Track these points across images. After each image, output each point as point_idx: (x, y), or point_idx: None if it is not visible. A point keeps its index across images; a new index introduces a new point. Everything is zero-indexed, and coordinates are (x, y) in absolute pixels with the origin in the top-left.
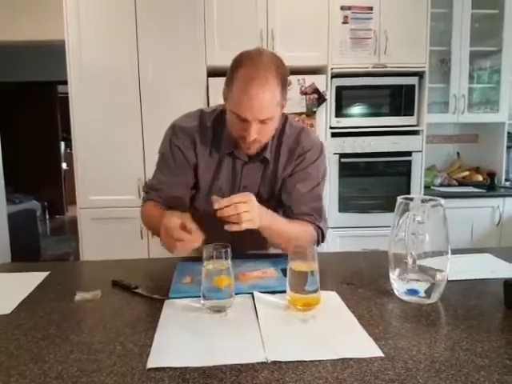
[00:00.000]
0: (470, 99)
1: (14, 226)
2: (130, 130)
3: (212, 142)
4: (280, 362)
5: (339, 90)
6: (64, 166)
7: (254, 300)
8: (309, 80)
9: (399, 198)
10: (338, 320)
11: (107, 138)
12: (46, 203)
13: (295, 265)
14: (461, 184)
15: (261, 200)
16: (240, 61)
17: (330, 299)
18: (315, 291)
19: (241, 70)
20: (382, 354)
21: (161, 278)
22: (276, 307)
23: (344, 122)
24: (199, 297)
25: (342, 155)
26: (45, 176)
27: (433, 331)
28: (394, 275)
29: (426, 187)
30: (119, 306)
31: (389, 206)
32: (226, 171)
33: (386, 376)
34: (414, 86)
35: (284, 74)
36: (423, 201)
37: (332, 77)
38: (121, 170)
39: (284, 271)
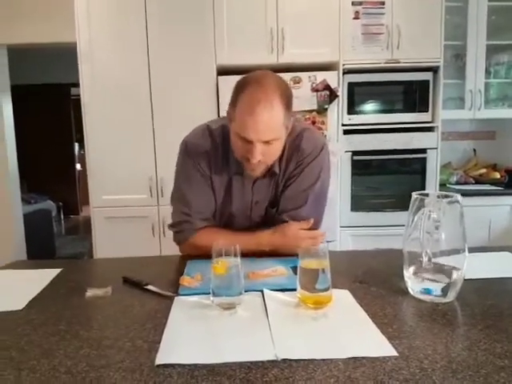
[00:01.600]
0: (486, 95)
1: (30, 226)
2: (141, 129)
3: (222, 161)
4: (290, 360)
5: (351, 86)
6: (78, 166)
7: (263, 298)
8: (320, 76)
9: (414, 194)
10: (350, 318)
11: (119, 138)
12: (60, 203)
13: (306, 262)
14: (477, 182)
15: (266, 208)
16: (245, 82)
17: (342, 297)
18: (326, 289)
19: (246, 90)
20: (396, 353)
21: (171, 275)
22: (286, 305)
23: (356, 119)
24: (209, 294)
25: (354, 153)
26: (59, 177)
27: (449, 331)
28: (408, 273)
29: (442, 185)
30: (129, 303)
31: (402, 205)
32: (237, 190)
33: (400, 376)
34: (428, 81)
35: (288, 95)
36: (439, 197)
37: (344, 73)
38: (133, 170)
39: (295, 269)
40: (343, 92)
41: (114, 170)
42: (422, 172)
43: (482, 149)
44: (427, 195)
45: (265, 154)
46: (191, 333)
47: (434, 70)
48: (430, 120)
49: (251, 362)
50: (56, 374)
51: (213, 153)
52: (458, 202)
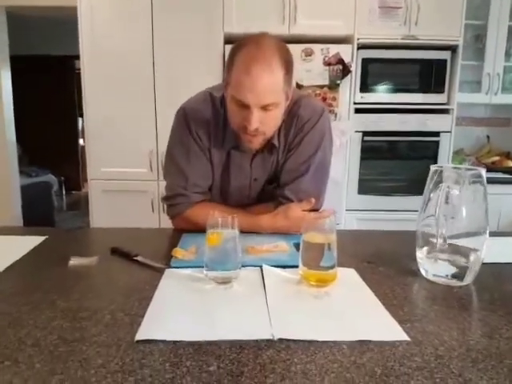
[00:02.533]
0: (504, 79)
1: (29, 199)
2: (142, 101)
3: (223, 133)
4: (288, 340)
5: (365, 62)
6: (81, 142)
7: (262, 273)
8: (333, 50)
9: (433, 167)
10: (356, 298)
11: (120, 109)
12: (62, 178)
13: (310, 236)
14: (490, 169)
15: (263, 185)
16: (242, 43)
17: (348, 276)
18: (331, 267)
19: (243, 50)
20: (407, 338)
21: (164, 247)
22: (286, 282)
23: (369, 97)
24: (203, 268)
25: (364, 133)
26: (62, 152)
27: (466, 315)
28: (421, 254)
29: None
30: (115, 274)
31: (412, 190)
32: (235, 167)
33: (413, 363)
34: (445, 61)
35: (288, 59)
36: (459, 170)
37: (358, 48)
38: (133, 143)
39: (297, 246)
40: (356, 68)
41: (113, 141)
42: (434, 156)
43: (496, 136)
44: (447, 168)
45: (263, 121)
46: (179, 307)
47: (453, 49)
48: (445, 102)
49: (244, 341)
50: (21, 346)
51: (213, 122)
52: (481, 176)
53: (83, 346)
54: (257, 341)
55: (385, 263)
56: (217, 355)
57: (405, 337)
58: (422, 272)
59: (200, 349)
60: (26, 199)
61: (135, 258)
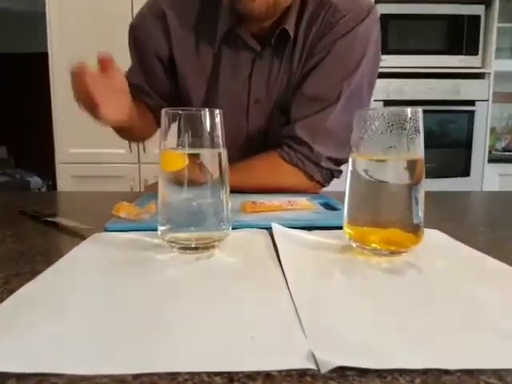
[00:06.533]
0: None
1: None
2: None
3: (200, 20)
4: (356, 372)
5: (384, 19)
6: None
7: (272, 238)
8: None
9: None
10: (478, 272)
11: None
12: (50, 182)
13: (368, 163)
14: None
15: (272, 112)
16: None
17: (435, 238)
18: (417, 225)
19: None
20: None
21: (107, 210)
22: (320, 249)
23: (390, 60)
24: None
25: (386, 103)
26: (48, 155)
27: None
28: None
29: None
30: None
31: (445, 172)
32: (226, 72)
33: None
34: (479, 16)
35: None
36: None
37: (375, 1)
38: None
39: (326, 206)
40: None
41: (85, 117)
42: (469, 131)
43: None
44: None
45: None
46: (88, 294)
47: (487, 3)
48: (479, 65)
49: (248, 376)
50: None
51: (178, 8)
52: None
53: None
54: (273, 376)
55: (481, 223)
56: None
57: None
58: None
59: None
60: None
61: (49, 219)
